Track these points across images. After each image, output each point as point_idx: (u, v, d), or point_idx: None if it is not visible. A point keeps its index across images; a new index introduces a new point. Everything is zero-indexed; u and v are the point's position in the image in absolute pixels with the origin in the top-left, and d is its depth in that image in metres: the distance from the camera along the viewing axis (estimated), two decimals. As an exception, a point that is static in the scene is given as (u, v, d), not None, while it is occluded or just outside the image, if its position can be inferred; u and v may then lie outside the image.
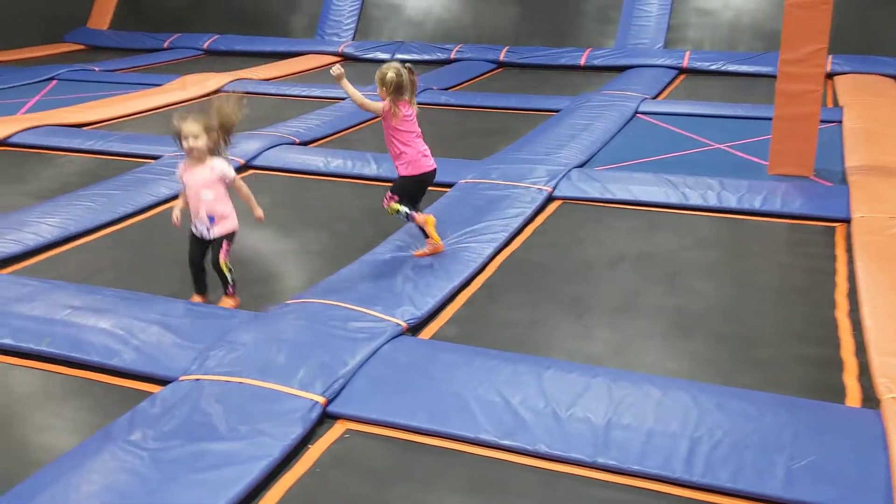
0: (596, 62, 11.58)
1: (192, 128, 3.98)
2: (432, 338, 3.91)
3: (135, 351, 3.63)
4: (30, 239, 4.99)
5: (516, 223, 5.25)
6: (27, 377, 3.60)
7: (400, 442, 3.11)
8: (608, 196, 5.84)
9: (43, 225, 5.18)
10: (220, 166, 4.07)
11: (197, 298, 4.23)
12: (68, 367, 3.65)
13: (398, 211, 4.60)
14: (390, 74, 4.54)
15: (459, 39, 13.02)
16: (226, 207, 4.11)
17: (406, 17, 13.67)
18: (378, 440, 3.13)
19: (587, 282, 4.57)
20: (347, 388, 3.33)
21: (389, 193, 4.62)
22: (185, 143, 4.00)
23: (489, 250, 4.80)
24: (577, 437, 2.99)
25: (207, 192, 4.04)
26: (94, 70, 11.35)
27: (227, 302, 4.18)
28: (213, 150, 4.06)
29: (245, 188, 4.25)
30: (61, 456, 2.91)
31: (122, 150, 7.22)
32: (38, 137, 7.60)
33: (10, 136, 7.58)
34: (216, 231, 4.11)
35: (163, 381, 3.50)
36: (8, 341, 3.75)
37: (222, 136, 4.09)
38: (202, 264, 4.18)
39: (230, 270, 4.16)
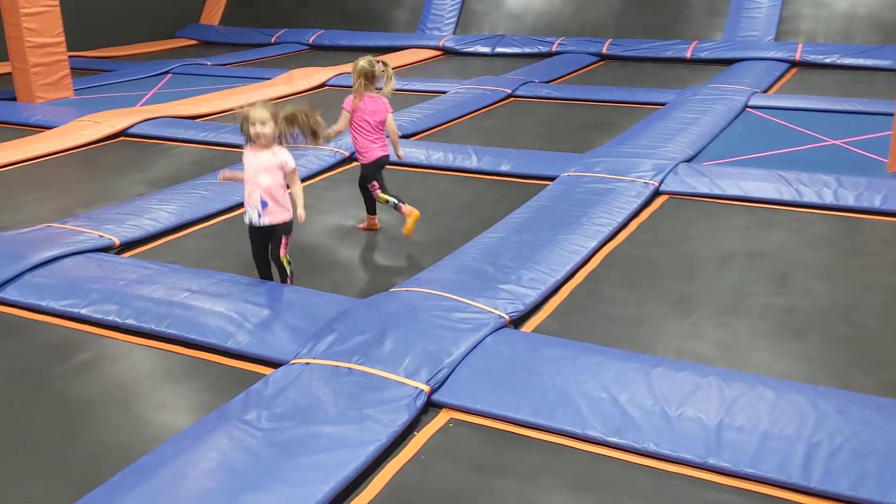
0: (703, 55, 11.28)
1: (260, 114, 3.99)
2: (535, 331, 3.89)
3: (248, 334, 3.75)
4: (149, 225, 5.23)
5: (621, 217, 5.16)
6: (148, 356, 3.77)
7: (504, 434, 3.11)
8: (717, 192, 5.67)
9: (161, 212, 5.42)
10: (284, 154, 4.08)
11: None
12: (186, 347, 3.81)
13: (387, 201, 5.05)
14: (362, 63, 4.98)
15: (561, 32, 12.91)
16: (280, 196, 4.08)
17: (507, 11, 13.63)
18: (482, 431, 3.14)
19: (694, 279, 4.46)
20: (452, 378, 3.35)
21: (373, 183, 5.09)
22: (252, 129, 4.00)
23: (593, 244, 4.74)
24: (688, 437, 2.92)
25: (265, 175, 4.03)
26: (207, 64, 11.79)
27: None
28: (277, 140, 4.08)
29: (298, 185, 4.18)
30: (179, 432, 3.04)
31: (233, 142, 7.46)
32: (155, 128, 7.95)
33: (129, 128, 7.96)
34: (266, 219, 4.07)
35: (274, 364, 3.61)
36: (131, 322, 3.94)
37: (285, 131, 4.08)
38: (266, 258, 4.25)
39: (289, 263, 4.24)
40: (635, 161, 6.14)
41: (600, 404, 3.12)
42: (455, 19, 13.79)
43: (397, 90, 10.11)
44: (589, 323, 3.98)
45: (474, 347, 3.53)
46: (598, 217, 5.11)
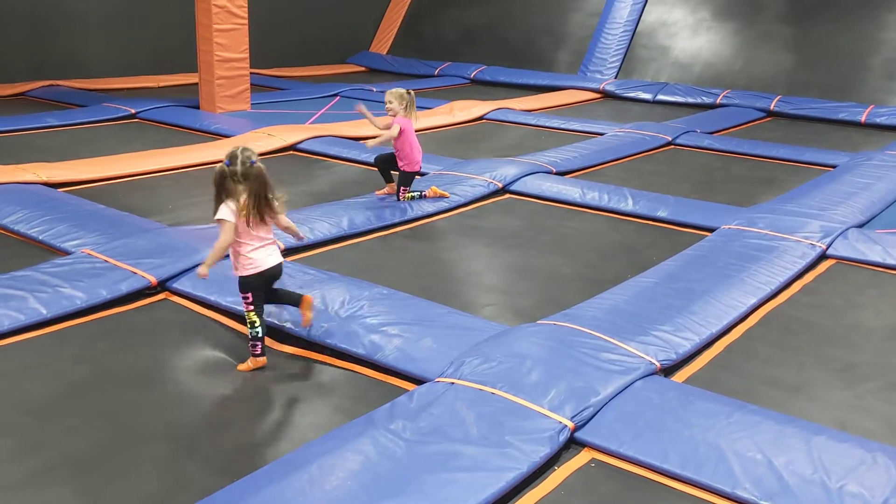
0: (879, 120, 10.69)
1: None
2: (686, 381, 3.76)
3: (397, 350, 3.83)
4: (307, 232, 5.45)
5: (783, 277, 4.93)
6: (302, 361, 3.91)
7: (648, 482, 3.01)
8: (890, 261, 5.32)
9: (323, 223, 5.65)
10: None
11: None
12: (335, 357, 3.92)
13: (413, 197, 6.30)
14: (406, 93, 6.29)
15: (727, 85, 12.58)
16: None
17: (673, 59, 13.44)
18: (625, 476, 3.05)
19: (861, 349, 4.18)
20: (597, 418, 3.28)
21: (402, 189, 6.30)
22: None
23: (752, 300, 4.55)
24: (850, 513, 2.73)
25: None
26: (372, 90, 12.27)
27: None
28: None
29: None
30: (328, 433, 3.13)
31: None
32: (321, 146, 8.33)
33: (299, 143, 8.39)
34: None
35: (418, 381, 3.66)
36: (288, 325, 4.11)
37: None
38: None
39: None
40: (802, 221, 5.86)
41: (754, 465, 2.96)
42: (618, 64, 13.72)
43: (553, 128, 10.16)
44: (743, 381, 3.81)
45: (623, 390, 3.45)
46: (758, 274, 4.90)
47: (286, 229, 4.01)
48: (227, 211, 3.67)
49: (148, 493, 2.83)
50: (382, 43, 16.18)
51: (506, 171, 7.23)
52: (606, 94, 12.93)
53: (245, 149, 3.70)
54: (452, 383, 3.45)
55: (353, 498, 2.67)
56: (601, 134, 9.59)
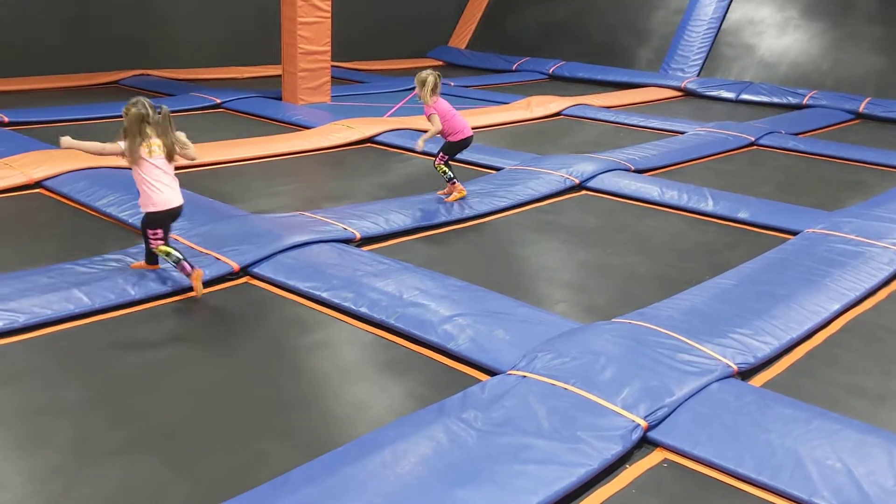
0: (979, 124, 10.20)
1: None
2: (764, 386, 3.68)
3: (469, 340, 3.87)
4: (385, 224, 5.54)
5: (869, 283, 4.78)
6: (376, 344, 3.99)
7: (721, 485, 2.97)
8: None
9: (398, 214, 5.73)
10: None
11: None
12: (411, 342, 3.99)
13: (445, 171, 6.16)
14: (428, 77, 6.07)
15: (814, 85, 12.21)
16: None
17: (758, 58, 13.10)
18: (698, 478, 3.01)
19: (952, 362, 4.02)
20: (671, 418, 3.25)
21: (441, 154, 6.19)
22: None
23: (836, 307, 4.42)
24: (934, 527, 2.64)
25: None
26: (450, 84, 12.33)
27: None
28: None
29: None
30: (400, 418, 3.19)
31: (468, 159, 7.72)
32: (398, 139, 8.43)
33: (376, 135, 8.50)
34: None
35: (489, 371, 3.69)
36: (364, 310, 4.20)
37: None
38: None
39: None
40: (890, 226, 5.65)
41: (833, 474, 2.89)
42: (701, 62, 13.45)
43: (632, 125, 10.06)
44: (825, 388, 3.71)
45: (698, 392, 3.40)
46: (843, 280, 4.75)
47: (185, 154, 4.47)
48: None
49: (230, 467, 2.93)
50: (461, 38, 16.23)
51: (583, 167, 7.18)
52: (688, 93, 12.70)
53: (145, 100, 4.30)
54: (525, 376, 3.46)
55: (426, 484, 2.71)
56: (681, 133, 9.43)
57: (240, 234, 4.98)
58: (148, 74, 11.80)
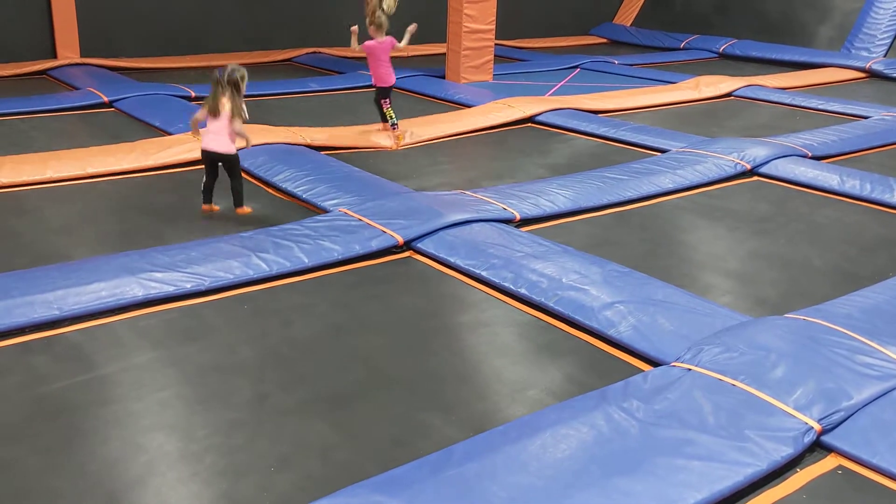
0: None
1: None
2: (956, 397, 3.38)
3: (631, 327, 3.80)
4: (546, 205, 5.51)
5: None
6: (534, 326, 4.00)
7: (903, 499, 2.77)
8: None
9: (558, 195, 5.68)
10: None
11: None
12: (569, 325, 3.96)
13: (391, 117, 7.25)
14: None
15: None
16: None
17: (960, 35, 11.93)
18: (875, 488, 2.82)
19: None
20: (848, 423, 3.06)
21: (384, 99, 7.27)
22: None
23: None
24: None
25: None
26: (614, 63, 12.06)
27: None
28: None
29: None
30: (561, 402, 3.19)
31: (631, 140, 7.57)
32: (560, 118, 8.33)
33: (537, 115, 8.45)
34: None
35: (651, 361, 3.61)
36: (524, 291, 4.21)
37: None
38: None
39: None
40: None
41: None
42: (889, 41, 12.42)
43: (810, 108, 9.40)
44: None
45: (879, 397, 3.18)
46: None
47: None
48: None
49: (393, 435, 3.04)
50: (627, 14, 15.80)
51: (755, 151, 6.84)
52: (873, 74, 11.78)
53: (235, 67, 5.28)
54: (689, 369, 3.36)
55: (585, 471, 2.70)
56: (865, 117, 8.78)
57: (405, 210, 5.12)
58: (320, 52, 12.28)
